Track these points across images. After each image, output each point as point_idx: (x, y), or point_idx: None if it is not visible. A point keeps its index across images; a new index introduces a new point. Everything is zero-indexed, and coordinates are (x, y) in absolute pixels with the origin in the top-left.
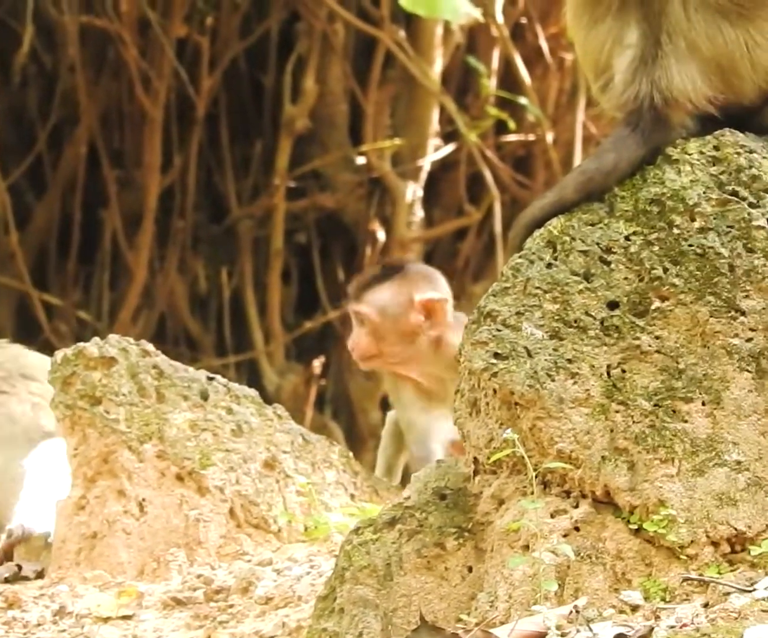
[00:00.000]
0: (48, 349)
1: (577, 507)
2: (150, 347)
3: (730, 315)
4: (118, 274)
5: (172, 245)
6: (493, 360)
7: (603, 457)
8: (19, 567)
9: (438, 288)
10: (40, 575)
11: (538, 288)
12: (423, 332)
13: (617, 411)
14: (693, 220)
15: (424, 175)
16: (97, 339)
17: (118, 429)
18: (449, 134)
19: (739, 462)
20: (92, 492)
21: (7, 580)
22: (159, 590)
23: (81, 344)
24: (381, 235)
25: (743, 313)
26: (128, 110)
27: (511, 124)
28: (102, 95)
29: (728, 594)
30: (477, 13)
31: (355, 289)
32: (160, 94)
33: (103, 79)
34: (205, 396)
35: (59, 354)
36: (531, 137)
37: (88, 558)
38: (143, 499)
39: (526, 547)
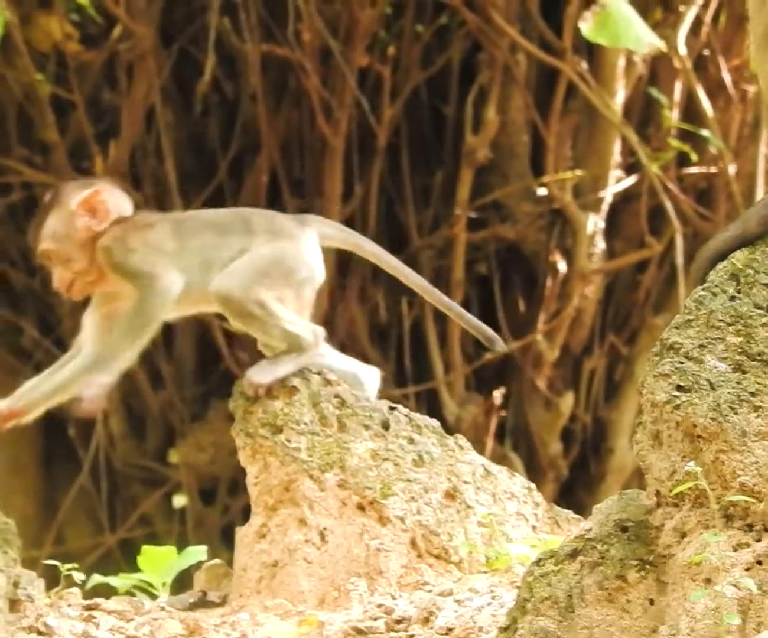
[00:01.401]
0: (228, 378)
1: (759, 540)
2: (332, 376)
3: None
4: None
5: (352, 274)
6: (676, 393)
7: None
8: (204, 593)
9: (91, 187)
10: (223, 601)
11: (721, 321)
12: (94, 230)
13: None
14: None
15: (605, 207)
16: None
17: (299, 458)
18: (631, 166)
19: None
20: (273, 521)
21: (192, 605)
22: (340, 619)
23: None
24: (562, 267)
25: None
26: (309, 139)
27: (693, 156)
28: (283, 124)
29: None
30: (660, 43)
31: (32, 238)
32: (341, 123)
33: (284, 107)
34: (386, 426)
35: (241, 383)
36: (713, 169)
37: (269, 586)
38: (324, 528)
39: (708, 581)
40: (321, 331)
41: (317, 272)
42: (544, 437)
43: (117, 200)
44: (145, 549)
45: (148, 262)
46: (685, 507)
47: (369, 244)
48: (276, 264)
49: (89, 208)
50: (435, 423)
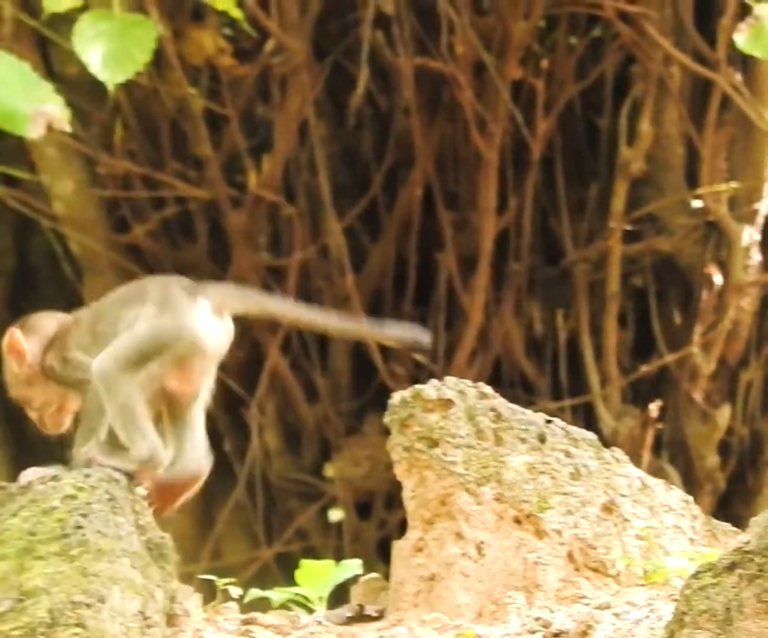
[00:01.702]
0: (384, 391)
1: None
2: (488, 389)
3: None
4: (453, 317)
5: (507, 288)
6: None
7: None
8: (361, 607)
9: (20, 326)
10: (380, 615)
11: None
12: (26, 369)
13: None
14: None
15: (760, 219)
16: (434, 381)
17: (455, 472)
18: None
19: None
20: (430, 535)
21: (350, 619)
22: (497, 633)
23: (418, 386)
24: (717, 279)
25: None
26: (463, 152)
27: None
28: (437, 137)
29: None
30: None
31: None
32: (495, 136)
33: (438, 121)
34: (542, 439)
35: (396, 396)
36: None
37: (427, 600)
38: (481, 542)
39: None
40: (161, 457)
41: (207, 342)
42: (700, 450)
43: (38, 326)
44: (303, 562)
45: (81, 368)
46: None
47: (268, 300)
48: (149, 340)
49: (13, 350)
50: (591, 436)
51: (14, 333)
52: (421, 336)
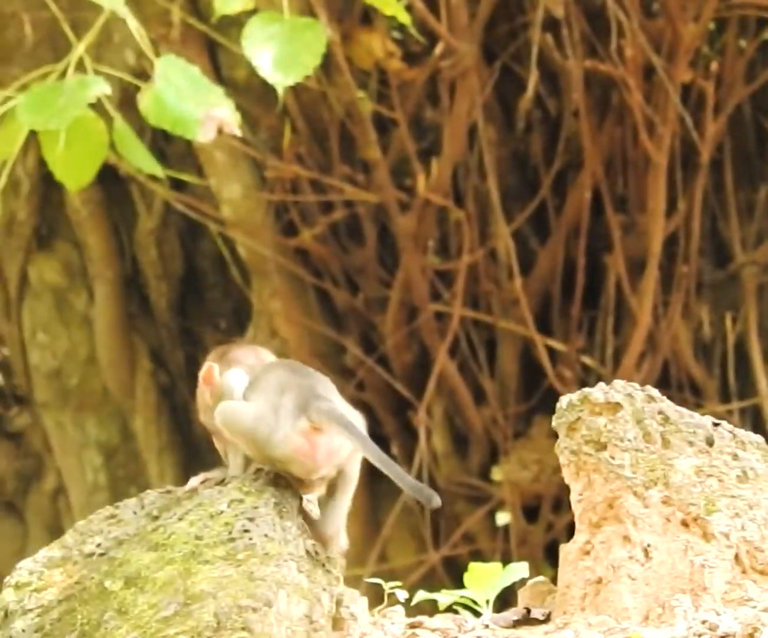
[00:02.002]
0: (552, 395)
1: None
2: (655, 392)
3: None
4: (621, 320)
5: (676, 291)
6: None
7: None
8: (528, 611)
9: (218, 357)
10: (546, 619)
11: None
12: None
13: None
14: None
15: None
16: (602, 384)
17: (622, 475)
18: None
19: None
20: (597, 538)
21: (516, 623)
22: (663, 636)
23: (586, 389)
24: None
25: None
26: (632, 155)
27: None
28: (605, 140)
29: None
30: None
31: None
32: (664, 139)
33: (607, 124)
34: (710, 442)
35: (564, 400)
36: None
37: (593, 603)
38: (648, 545)
39: None
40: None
41: (289, 456)
42: None
43: (235, 359)
44: (471, 565)
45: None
46: None
47: (365, 445)
48: (246, 431)
49: (208, 384)
50: (759, 439)
51: (211, 368)
52: (433, 498)
